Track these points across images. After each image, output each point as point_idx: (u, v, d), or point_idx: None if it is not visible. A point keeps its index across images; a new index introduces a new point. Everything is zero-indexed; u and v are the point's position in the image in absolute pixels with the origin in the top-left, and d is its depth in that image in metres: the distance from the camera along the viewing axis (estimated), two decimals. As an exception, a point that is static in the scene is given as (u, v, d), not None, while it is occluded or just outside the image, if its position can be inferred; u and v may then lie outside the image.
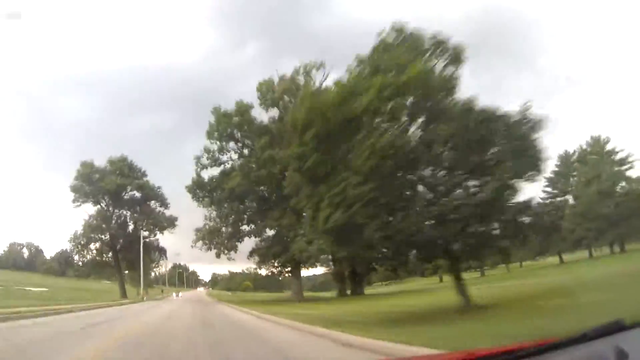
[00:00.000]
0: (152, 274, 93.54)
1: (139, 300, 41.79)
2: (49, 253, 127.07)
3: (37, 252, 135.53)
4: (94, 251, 52.35)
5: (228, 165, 33.98)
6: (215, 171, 34.27)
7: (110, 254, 53.09)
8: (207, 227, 35.96)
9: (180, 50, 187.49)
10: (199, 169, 33.50)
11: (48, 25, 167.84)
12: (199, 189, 33.56)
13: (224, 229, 35.38)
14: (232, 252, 35.39)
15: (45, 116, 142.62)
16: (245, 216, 34.74)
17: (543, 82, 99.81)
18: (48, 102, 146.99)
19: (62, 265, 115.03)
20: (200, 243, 35.90)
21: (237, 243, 35.19)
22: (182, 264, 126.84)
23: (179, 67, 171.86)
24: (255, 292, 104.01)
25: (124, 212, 54.53)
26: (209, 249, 35.19)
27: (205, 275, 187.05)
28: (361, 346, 6.87)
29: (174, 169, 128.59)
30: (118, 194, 51.72)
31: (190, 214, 65.69)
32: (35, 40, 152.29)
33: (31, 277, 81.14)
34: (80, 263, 66.85)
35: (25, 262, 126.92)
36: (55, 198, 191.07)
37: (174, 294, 64.02)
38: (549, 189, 50.87)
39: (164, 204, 55.39)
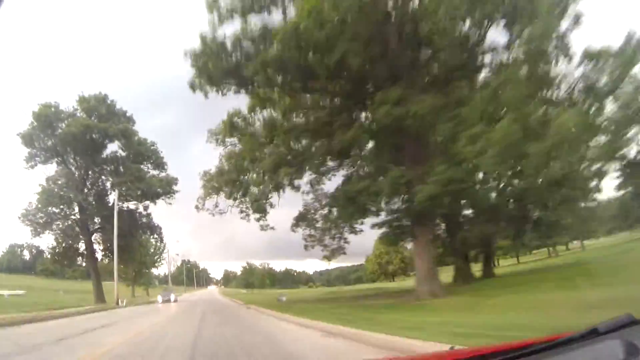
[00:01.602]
0: (156, 270, 76.22)
1: (112, 307, 24.33)
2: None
3: (37, 254, 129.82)
4: (59, 233, 35.00)
5: (275, 19, 15.46)
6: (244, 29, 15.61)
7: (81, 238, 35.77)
8: (227, 161, 18.04)
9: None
10: (215, 23, 14.82)
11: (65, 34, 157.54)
12: (215, 60, 14.76)
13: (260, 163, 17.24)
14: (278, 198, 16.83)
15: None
16: (319, 112, 15.95)
17: None
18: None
19: (64, 265, 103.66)
20: (210, 202, 18.27)
21: (293, 180, 16.70)
22: (191, 260, 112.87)
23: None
24: (276, 289, 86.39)
25: (103, 178, 37.16)
26: (232, 196, 16.68)
27: (216, 273, 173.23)
28: None
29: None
30: (93, 149, 34.42)
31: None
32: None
33: (21, 279, 74.79)
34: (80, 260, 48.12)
35: (25, 264, 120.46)
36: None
37: (159, 297, 37.77)
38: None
39: (160, 164, 37.86)
